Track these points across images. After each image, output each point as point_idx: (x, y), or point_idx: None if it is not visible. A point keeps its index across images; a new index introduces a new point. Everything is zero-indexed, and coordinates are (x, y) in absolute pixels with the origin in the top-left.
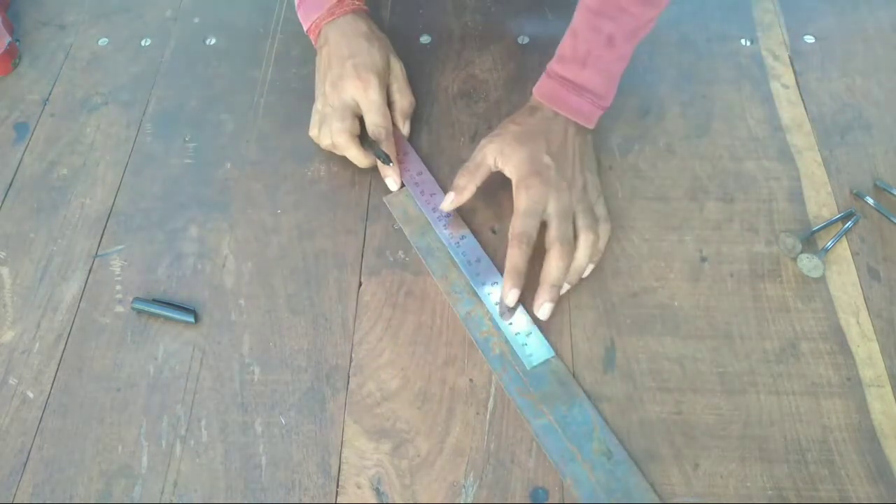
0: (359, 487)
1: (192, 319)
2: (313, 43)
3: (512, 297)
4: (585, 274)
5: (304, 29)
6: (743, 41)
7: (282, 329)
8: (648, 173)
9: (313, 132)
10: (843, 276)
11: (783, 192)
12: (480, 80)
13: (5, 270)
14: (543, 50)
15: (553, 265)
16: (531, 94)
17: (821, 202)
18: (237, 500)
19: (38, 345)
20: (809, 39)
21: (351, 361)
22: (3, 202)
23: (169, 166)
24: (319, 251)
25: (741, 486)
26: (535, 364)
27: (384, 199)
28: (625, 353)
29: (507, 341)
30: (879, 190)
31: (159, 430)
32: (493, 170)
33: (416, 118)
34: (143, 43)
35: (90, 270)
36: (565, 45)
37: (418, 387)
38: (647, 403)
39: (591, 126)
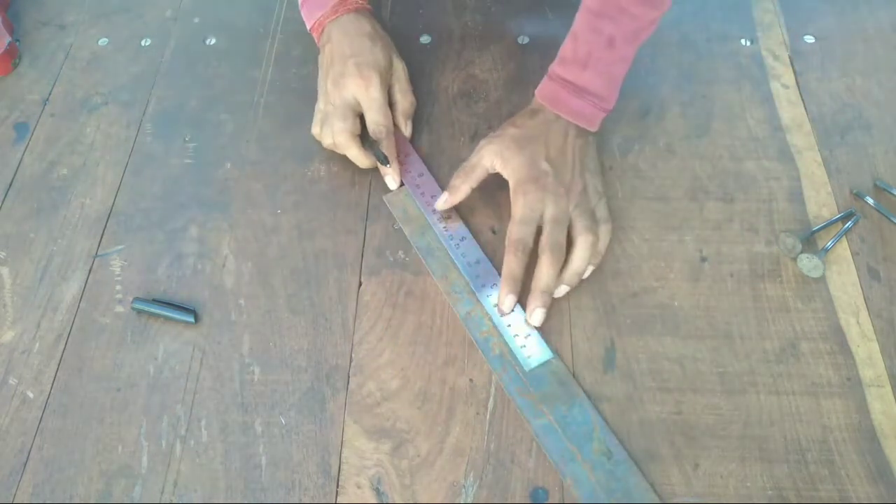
0: (359, 487)
1: (192, 319)
2: (316, 41)
3: (508, 303)
4: (585, 275)
5: (308, 27)
6: (743, 41)
7: (282, 329)
8: (648, 173)
9: (315, 130)
10: (843, 276)
11: (783, 192)
12: (480, 80)
13: (5, 270)
14: (543, 50)
15: (543, 272)
16: (533, 95)
17: (821, 202)
18: (237, 500)
19: (38, 345)
20: (809, 39)
21: (351, 361)
22: (3, 202)
23: (169, 166)
24: (319, 251)
25: (741, 486)
26: (533, 366)
27: (384, 199)
28: (625, 353)
29: (506, 342)
30: (879, 190)
31: (159, 430)
32: (491, 171)
33: (416, 118)
34: (143, 43)
35: (90, 270)
36: (566, 47)
37: (418, 387)
38: (647, 403)
39: (593, 128)
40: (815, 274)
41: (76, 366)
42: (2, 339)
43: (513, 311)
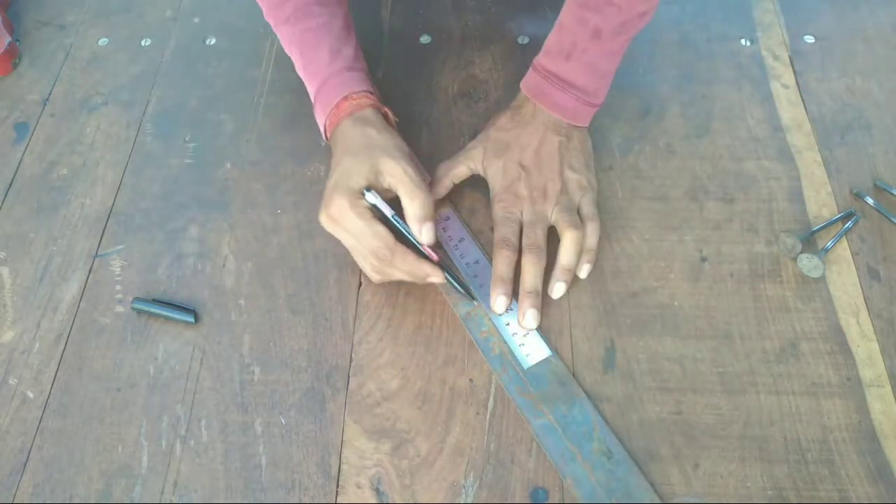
0: (359, 487)
1: (192, 319)
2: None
3: (500, 304)
4: (583, 275)
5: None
6: (743, 41)
7: (282, 329)
8: (648, 173)
9: (376, 278)
10: (843, 276)
11: (783, 192)
12: (480, 80)
13: (5, 270)
14: None
15: (526, 272)
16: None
17: (821, 202)
18: (237, 500)
19: (38, 345)
20: (809, 39)
21: (351, 361)
22: (3, 202)
23: (169, 166)
24: (319, 251)
25: (741, 486)
26: (532, 364)
27: None
28: (625, 353)
29: (506, 341)
30: (879, 190)
31: (159, 430)
32: (475, 173)
33: (416, 118)
34: (143, 43)
35: (90, 270)
36: (551, 38)
37: (418, 387)
38: (647, 403)
39: (579, 123)
40: (815, 274)
41: (76, 366)
42: (2, 339)
43: (508, 311)
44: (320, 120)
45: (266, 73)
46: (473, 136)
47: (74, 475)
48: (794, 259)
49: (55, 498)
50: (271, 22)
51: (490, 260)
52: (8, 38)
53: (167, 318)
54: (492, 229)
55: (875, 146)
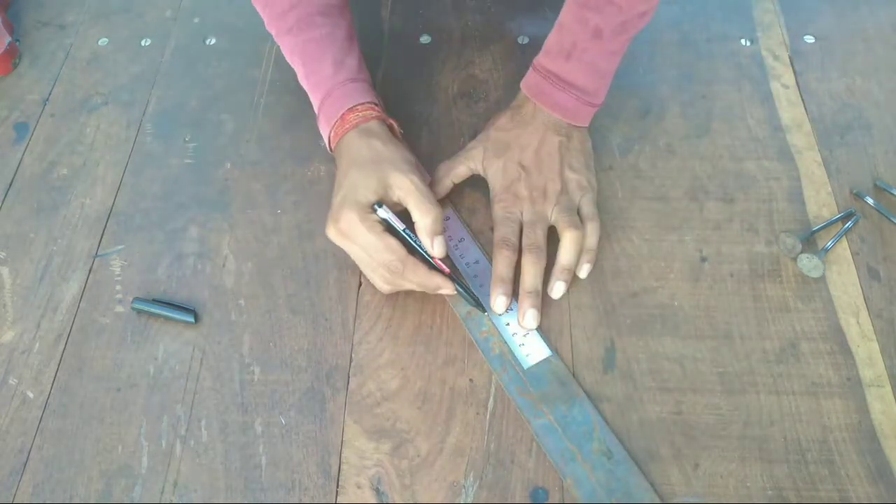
0: (359, 487)
1: (192, 319)
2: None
3: (500, 304)
4: (583, 275)
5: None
6: (743, 41)
7: (282, 329)
8: (648, 173)
9: (386, 288)
10: (843, 276)
11: (783, 192)
12: (480, 80)
13: (5, 270)
14: None
15: (526, 272)
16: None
17: (821, 202)
18: (237, 500)
19: (38, 345)
20: (809, 39)
21: (351, 361)
22: (3, 202)
23: (169, 166)
24: (319, 251)
25: (741, 486)
26: (532, 364)
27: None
28: (625, 353)
29: (506, 341)
30: (879, 190)
31: (159, 430)
32: (475, 173)
33: (416, 118)
34: (143, 43)
35: (90, 270)
36: (551, 38)
37: (418, 387)
38: (647, 403)
39: (579, 123)
40: (815, 274)
41: (76, 366)
42: (2, 339)
43: (508, 311)
44: (324, 132)
45: (266, 73)
46: (473, 136)
47: (74, 475)
48: (794, 259)
49: (55, 498)
50: (273, 32)
51: (490, 260)
52: (8, 38)
53: (167, 318)
54: (492, 229)
55: (875, 146)
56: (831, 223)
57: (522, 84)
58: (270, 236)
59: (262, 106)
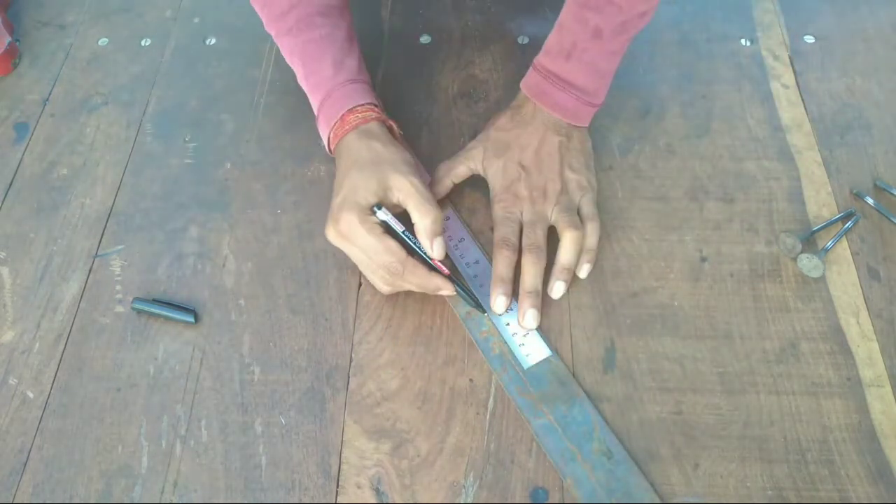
0: (359, 487)
1: (192, 319)
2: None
3: (500, 304)
4: (583, 275)
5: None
6: (743, 41)
7: (282, 329)
8: (648, 173)
9: (386, 289)
10: (843, 276)
11: (783, 192)
12: (480, 80)
13: (5, 270)
14: None
15: (526, 272)
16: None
17: (821, 202)
18: (237, 500)
19: (38, 345)
20: (809, 39)
21: (351, 361)
22: (3, 202)
23: (169, 166)
24: (319, 251)
25: (741, 486)
26: (532, 364)
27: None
28: (625, 353)
29: (506, 341)
30: (879, 190)
31: (159, 430)
32: (475, 173)
33: (416, 118)
34: (143, 43)
35: (90, 270)
36: (552, 38)
37: (418, 387)
38: (647, 403)
39: (579, 123)
40: (815, 274)
41: (76, 366)
42: (2, 339)
43: (508, 311)
44: (324, 133)
45: (266, 73)
46: (473, 136)
47: (74, 475)
48: (794, 259)
49: (55, 498)
50: (272, 33)
51: (490, 260)
52: (8, 38)
53: (167, 318)
54: (492, 229)
55: (875, 146)
56: (831, 223)
57: (522, 84)
58: (270, 236)
59: (262, 106)
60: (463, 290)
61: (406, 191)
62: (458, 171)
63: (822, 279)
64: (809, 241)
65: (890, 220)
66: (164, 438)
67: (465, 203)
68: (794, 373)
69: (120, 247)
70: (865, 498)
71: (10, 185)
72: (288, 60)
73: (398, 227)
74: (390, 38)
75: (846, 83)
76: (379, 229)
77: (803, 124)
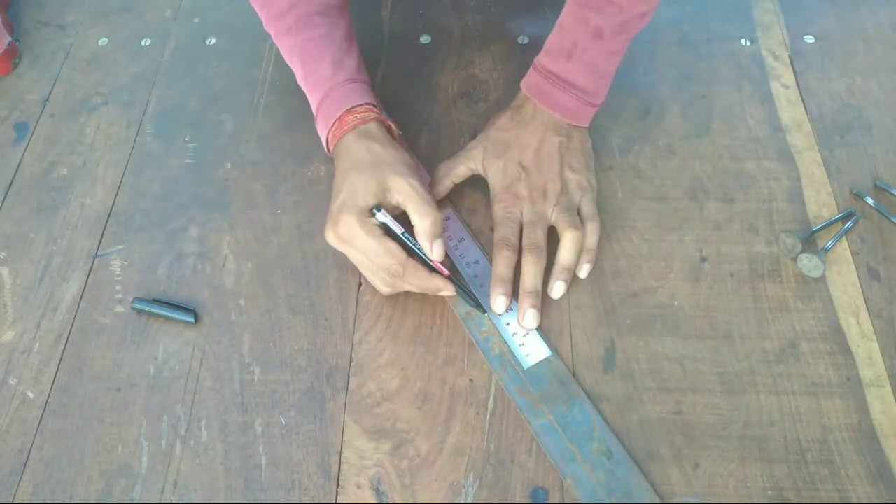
0: (359, 487)
1: (192, 319)
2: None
3: (500, 304)
4: (583, 275)
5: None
6: (743, 41)
7: (282, 329)
8: (648, 173)
9: (386, 290)
10: (843, 276)
11: (783, 192)
12: (480, 80)
13: (5, 270)
14: None
15: (526, 272)
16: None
17: (821, 202)
18: (237, 500)
19: (38, 345)
20: (809, 39)
21: (351, 361)
22: (3, 202)
23: (169, 166)
24: (319, 251)
25: (741, 486)
26: (532, 364)
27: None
28: (625, 353)
29: (506, 341)
30: (879, 190)
31: (159, 430)
32: (476, 173)
33: (416, 118)
34: (143, 43)
35: (90, 270)
36: (552, 38)
37: (418, 387)
38: (647, 403)
39: (580, 123)
40: (815, 274)
41: (76, 366)
42: (2, 339)
43: (508, 311)
44: (322, 132)
45: (266, 73)
46: (473, 136)
47: (74, 475)
48: (794, 259)
49: (55, 498)
50: (271, 32)
51: (490, 260)
52: (8, 38)
53: (167, 318)
54: (492, 229)
55: (875, 146)
56: (831, 223)
57: (523, 84)
58: (270, 236)
59: (262, 106)
60: (463, 290)
61: (405, 192)
62: (458, 171)
63: (822, 279)
64: (809, 241)
65: (890, 220)
66: (164, 438)
67: (465, 203)
68: (794, 373)
69: (120, 247)
70: (865, 498)
71: (10, 185)
72: (287, 60)
73: (398, 229)
74: (390, 38)
75: (846, 83)
76: (379, 231)
77: (803, 124)
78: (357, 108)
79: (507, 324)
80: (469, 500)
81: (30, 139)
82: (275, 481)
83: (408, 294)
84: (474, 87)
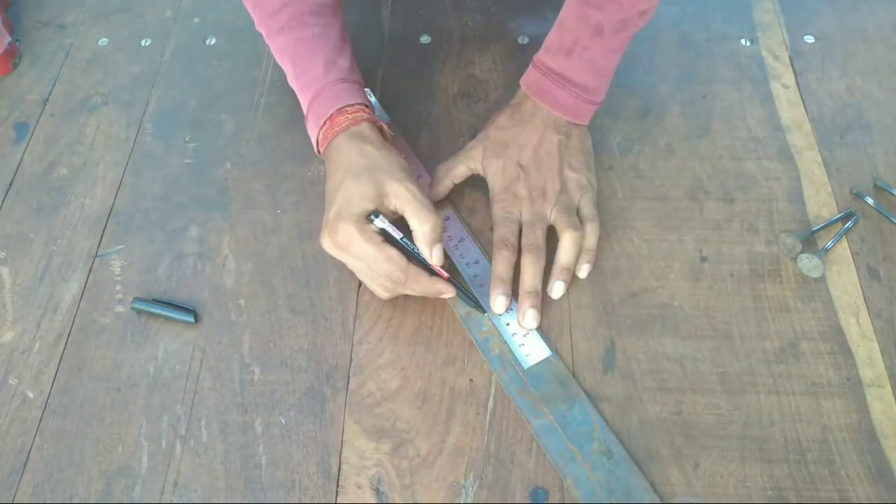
0: (359, 487)
1: (192, 319)
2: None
3: (499, 304)
4: (583, 275)
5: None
6: (743, 41)
7: (282, 329)
8: (648, 173)
9: (385, 296)
10: (843, 276)
11: (783, 192)
12: (480, 80)
13: (5, 270)
14: None
15: (525, 272)
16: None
17: (821, 202)
18: (237, 500)
19: (38, 345)
20: (809, 39)
21: (351, 361)
22: (3, 202)
23: (169, 166)
24: (319, 251)
25: (741, 486)
26: (532, 364)
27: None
28: (625, 353)
29: (506, 341)
30: (879, 190)
31: (159, 430)
32: (475, 173)
33: (416, 118)
34: (143, 43)
35: (90, 270)
36: (552, 36)
37: (418, 387)
38: (647, 403)
39: (579, 121)
40: (815, 274)
41: (76, 366)
42: (2, 339)
43: (508, 311)
44: (312, 133)
45: (266, 73)
46: (473, 136)
47: (74, 475)
48: (794, 259)
49: (55, 498)
50: (263, 32)
51: (490, 260)
52: (8, 38)
53: (167, 318)
54: (492, 229)
55: (875, 146)
56: (831, 223)
57: (522, 81)
58: (270, 236)
59: (262, 106)
60: (463, 291)
61: (403, 197)
62: (457, 171)
63: (822, 279)
64: (809, 241)
65: (890, 220)
66: (164, 438)
67: (465, 203)
68: (794, 373)
69: (120, 247)
70: (865, 498)
71: (10, 185)
72: (278, 60)
73: (397, 235)
74: (390, 38)
75: (846, 83)
76: (378, 238)
77: (803, 124)
78: (348, 108)
79: (507, 324)
80: (469, 500)
81: (30, 139)
82: (275, 481)
83: (408, 295)
84: (474, 87)
